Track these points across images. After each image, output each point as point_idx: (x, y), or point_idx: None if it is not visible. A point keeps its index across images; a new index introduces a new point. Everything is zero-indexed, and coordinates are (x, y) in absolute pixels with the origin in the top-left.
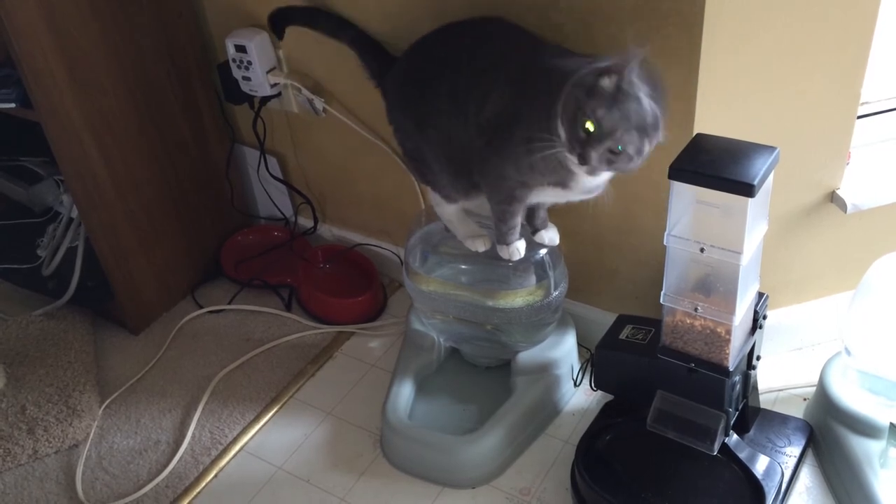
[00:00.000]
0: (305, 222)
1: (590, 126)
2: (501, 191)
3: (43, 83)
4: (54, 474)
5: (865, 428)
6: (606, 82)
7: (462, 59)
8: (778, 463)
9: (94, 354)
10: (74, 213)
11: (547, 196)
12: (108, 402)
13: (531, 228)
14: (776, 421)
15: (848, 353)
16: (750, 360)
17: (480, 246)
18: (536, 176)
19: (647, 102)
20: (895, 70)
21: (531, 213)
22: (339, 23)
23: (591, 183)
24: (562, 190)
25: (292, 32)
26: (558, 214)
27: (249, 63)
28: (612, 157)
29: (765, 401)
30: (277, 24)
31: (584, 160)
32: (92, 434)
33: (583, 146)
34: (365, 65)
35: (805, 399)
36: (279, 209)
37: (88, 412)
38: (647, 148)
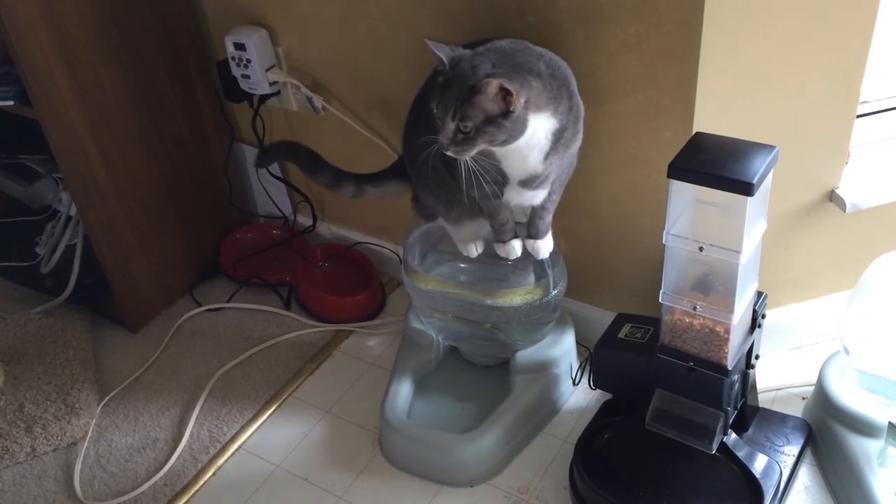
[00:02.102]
0: (304, 220)
1: (434, 110)
2: (476, 187)
3: (42, 81)
4: (52, 472)
5: (864, 427)
6: (440, 78)
7: (425, 105)
8: (776, 462)
9: (93, 352)
10: (73, 211)
11: (511, 195)
12: (106, 400)
13: (526, 233)
14: (775, 420)
15: (846, 352)
16: (749, 359)
17: (473, 251)
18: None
19: (478, 75)
20: (894, 69)
21: (531, 219)
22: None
23: (520, 173)
24: (506, 186)
25: (292, 31)
26: (558, 213)
27: (249, 61)
28: (464, 135)
29: (763, 400)
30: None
31: (442, 145)
32: (90, 432)
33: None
34: (394, 187)
35: (804, 398)
36: (278, 207)
37: (87, 410)
38: (474, 115)
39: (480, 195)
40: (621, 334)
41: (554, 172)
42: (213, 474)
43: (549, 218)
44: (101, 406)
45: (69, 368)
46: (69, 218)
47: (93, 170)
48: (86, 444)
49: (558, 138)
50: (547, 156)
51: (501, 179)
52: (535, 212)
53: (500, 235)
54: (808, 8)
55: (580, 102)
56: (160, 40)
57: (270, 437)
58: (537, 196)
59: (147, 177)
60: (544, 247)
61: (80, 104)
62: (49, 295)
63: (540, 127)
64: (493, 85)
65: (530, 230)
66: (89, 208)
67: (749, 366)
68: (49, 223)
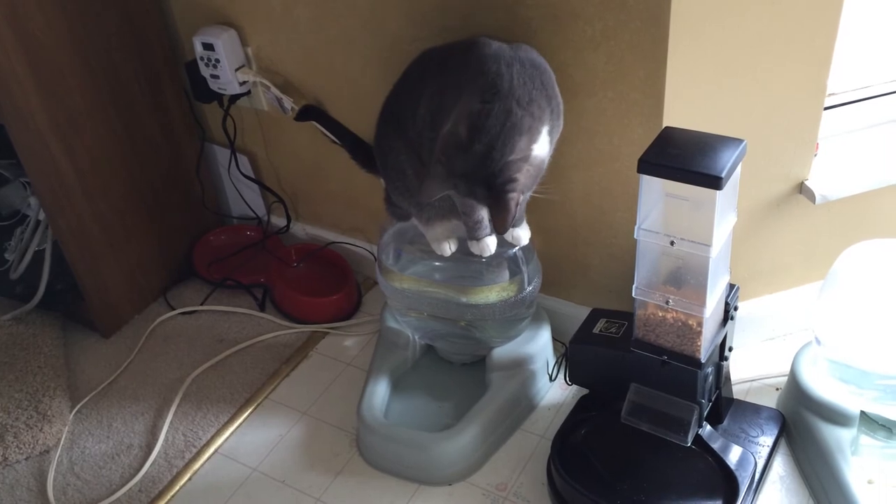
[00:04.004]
0: (278, 221)
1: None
2: (452, 187)
3: (6, 84)
4: (25, 481)
5: (836, 416)
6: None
7: (398, 105)
8: (751, 453)
9: (65, 359)
10: (42, 216)
11: None
12: (79, 406)
13: None
14: (749, 411)
15: (818, 342)
16: (722, 352)
17: (446, 249)
18: None
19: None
20: (861, 61)
21: None
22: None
23: None
24: None
25: (261, 30)
26: (531, 210)
27: (217, 61)
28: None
29: (738, 391)
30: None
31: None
32: (63, 439)
33: None
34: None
35: (777, 389)
36: (251, 208)
37: (59, 417)
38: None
39: (459, 193)
40: (596, 329)
41: None
42: (189, 479)
43: (524, 206)
44: (73, 413)
45: (40, 375)
46: (38, 222)
47: (61, 173)
48: (59, 451)
49: (551, 138)
50: (549, 153)
51: None
52: None
53: (474, 233)
54: (775, 1)
55: (560, 96)
56: (128, 41)
57: (247, 440)
58: None
59: (117, 179)
60: (524, 234)
61: (47, 107)
62: (19, 301)
63: (543, 134)
64: (515, 200)
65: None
66: (58, 212)
67: (722, 358)
68: (18, 228)
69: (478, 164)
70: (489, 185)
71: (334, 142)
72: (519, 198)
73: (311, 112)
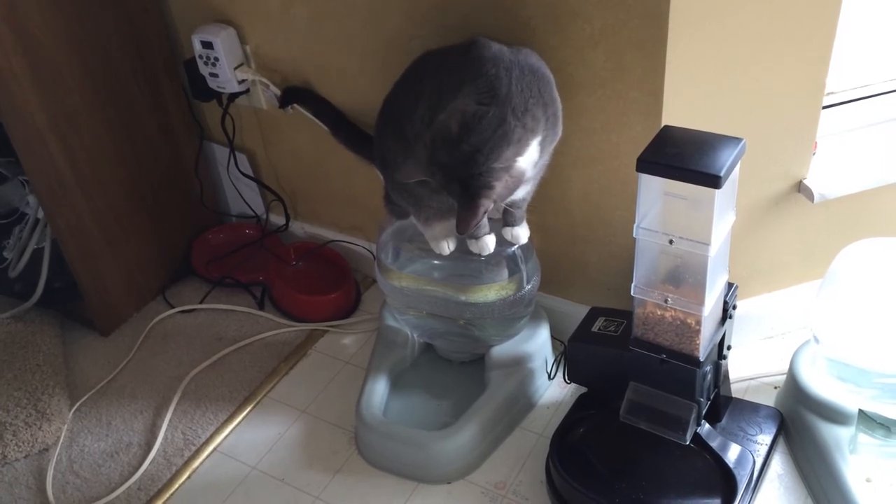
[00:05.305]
0: (277, 219)
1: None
2: (430, 175)
3: (4, 83)
4: (24, 479)
5: (835, 415)
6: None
7: (397, 105)
8: (749, 451)
9: (63, 357)
10: (40, 214)
11: None
12: (78, 404)
13: (503, 223)
14: (747, 409)
15: (816, 341)
16: (720, 350)
17: (445, 248)
18: None
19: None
20: (860, 60)
21: (506, 210)
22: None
23: None
24: None
25: (260, 28)
26: (531, 209)
27: (216, 59)
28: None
29: (736, 390)
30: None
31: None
32: (62, 438)
33: None
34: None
35: (776, 387)
36: (250, 207)
37: (58, 415)
38: None
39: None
40: (595, 328)
41: (539, 172)
42: (188, 477)
43: (525, 207)
44: (72, 411)
45: (39, 374)
46: (37, 221)
47: (59, 172)
48: (58, 449)
49: (543, 147)
50: (535, 163)
51: None
52: (514, 203)
53: (473, 231)
54: (773, 0)
55: (559, 102)
56: (126, 39)
57: (246, 439)
58: (520, 192)
59: (116, 178)
60: (523, 233)
61: (45, 105)
62: (17, 299)
63: (533, 146)
64: (484, 207)
65: (508, 219)
66: (56, 211)
67: (721, 356)
68: (16, 227)
69: (460, 163)
70: (466, 184)
71: (317, 122)
72: (489, 206)
73: (293, 94)
